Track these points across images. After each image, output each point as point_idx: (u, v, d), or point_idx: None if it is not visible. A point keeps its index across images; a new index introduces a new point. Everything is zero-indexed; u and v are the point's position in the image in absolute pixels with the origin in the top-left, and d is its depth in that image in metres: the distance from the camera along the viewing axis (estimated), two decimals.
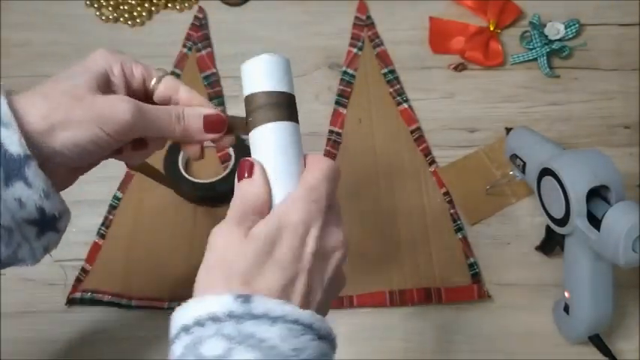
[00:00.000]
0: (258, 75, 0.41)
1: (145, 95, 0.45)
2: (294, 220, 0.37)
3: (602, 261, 0.55)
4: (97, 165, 0.46)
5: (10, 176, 0.37)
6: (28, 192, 0.37)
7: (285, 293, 0.35)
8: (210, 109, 0.45)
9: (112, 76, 0.43)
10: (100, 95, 0.40)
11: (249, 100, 0.41)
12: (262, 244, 0.36)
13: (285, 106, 0.41)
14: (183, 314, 0.35)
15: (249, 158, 0.39)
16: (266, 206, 0.38)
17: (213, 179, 0.68)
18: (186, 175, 0.68)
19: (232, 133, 0.46)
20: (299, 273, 0.36)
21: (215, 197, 0.68)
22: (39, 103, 0.39)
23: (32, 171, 0.37)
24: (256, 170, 0.39)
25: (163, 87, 0.45)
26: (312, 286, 0.37)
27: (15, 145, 0.36)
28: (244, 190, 0.38)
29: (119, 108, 0.40)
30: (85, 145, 0.40)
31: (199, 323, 0.33)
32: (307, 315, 0.34)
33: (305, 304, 0.36)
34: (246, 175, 0.38)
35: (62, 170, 0.42)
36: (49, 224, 0.40)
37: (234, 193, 0.39)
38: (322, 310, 0.38)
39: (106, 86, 0.42)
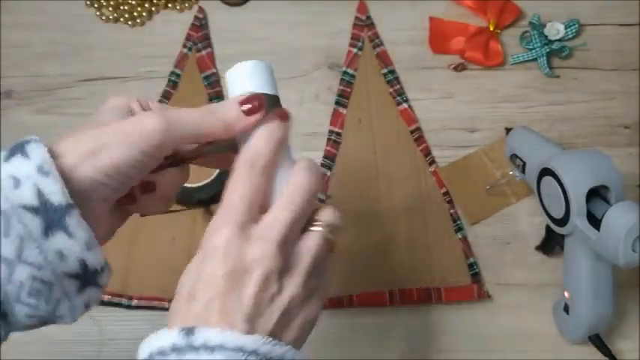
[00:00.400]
0: (244, 79, 0.41)
1: None
2: (259, 266, 0.36)
3: (602, 261, 0.55)
4: (129, 214, 0.45)
5: (50, 226, 0.35)
6: (70, 243, 0.36)
7: (251, 320, 0.35)
8: (244, 94, 0.42)
9: (133, 110, 0.42)
10: (126, 118, 0.40)
11: None
12: (228, 274, 0.36)
13: (272, 107, 0.41)
14: (144, 348, 0.36)
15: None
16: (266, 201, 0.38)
17: (200, 183, 0.68)
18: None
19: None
20: (273, 298, 0.36)
21: (200, 202, 0.68)
22: (70, 143, 0.37)
23: (74, 220, 0.35)
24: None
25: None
26: (291, 310, 0.37)
27: (57, 194, 0.35)
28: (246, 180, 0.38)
29: (145, 120, 0.38)
30: (119, 166, 0.38)
31: (151, 357, 0.35)
32: (251, 340, 0.34)
33: (281, 331, 0.36)
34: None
35: (100, 213, 0.40)
36: (90, 279, 0.38)
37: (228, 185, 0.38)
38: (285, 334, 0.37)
39: (129, 115, 0.41)
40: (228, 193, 0.38)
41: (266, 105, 0.40)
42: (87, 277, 0.38)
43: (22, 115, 0.75)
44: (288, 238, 0.37)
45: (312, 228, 0.39)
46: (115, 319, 0.65)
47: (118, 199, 0.41)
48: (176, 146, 0.40)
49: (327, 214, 0.39)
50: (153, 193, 0.43)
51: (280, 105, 0.42)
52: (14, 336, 0.63)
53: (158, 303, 0.64)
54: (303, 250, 0.38)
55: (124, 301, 0.64)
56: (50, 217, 0.35)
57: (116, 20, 0.81)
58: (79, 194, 0.36)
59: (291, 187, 0.38)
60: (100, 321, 0.65)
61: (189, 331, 0.34)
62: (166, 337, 0.34)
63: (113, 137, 0.37)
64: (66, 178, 0.35)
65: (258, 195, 0.38)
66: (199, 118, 0.40)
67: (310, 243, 0.38)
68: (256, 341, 0.34)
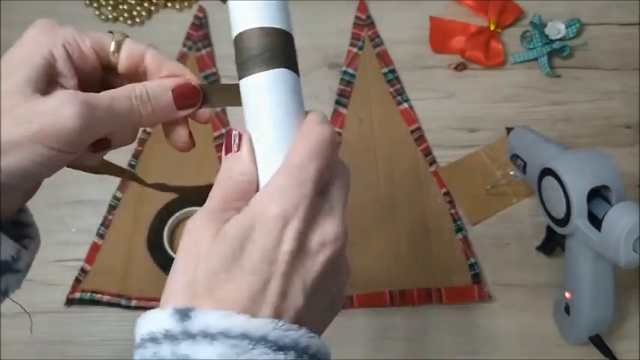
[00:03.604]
0: (250, 9, 0.34)
1: (105, 72, 0.38)
2: (269, 213, 0.30)
3: (602, 261, 0.55)
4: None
5: None
6: None
7: (253, 303, 0.29)
8: (176, 79, 0.37)
9: (56, 63, 0.35)
10: (40, 99, 0.33)
11: (238, 41, 0.34)
12: (231, 245, 0.30)
13: (282, 49, 0.35)
14: (138, 329, 0.31)
15: (238, 128, 0.33)
16: (254, 189, 0.32)
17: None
18: (172, 254, 0.66)
19: (209, 104, 0.39)
20: (271, 278, 0.30)
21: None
22: None
23: None
24: (244, 142, 0.32)
25: (125, 56, 0.37)
26: (289, 292, 0.30)
27: None
28: (228, 169, 0.32)
29: (63, 114, 0.33)
30: (31, 168, 0.33)
31: (142, 345, 0.30)
32: (258, 325, 0.28)
33: (277, 314, 0.30)
34: (234, 149, 0.32)
35: (14, 197, 0.36)
36: (4, 268, 0.35)
37: (219, 172, 0.33)
38: (308, 318, 0.31)
39: (49, 79, 0.34)
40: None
41: (275, 45, 0.34)
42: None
43: None
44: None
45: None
46: (115, 319, 0.64)
47: None
48: (100, 137, 0.36)
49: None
50: (107, 150, 0.38)
51: (294, 49, 0.36)
52: (14, 336, 0.63)
53: (158, 303, 0.64)
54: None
55: (123, 301, 0.64)
56: None
57: (115, 19, 0.81)
58: None
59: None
60: (100, 321, 0.65)
61: (184, 315, 0.29)
62: (158, 320, 0.30)
63: (23, 134, 0.32)
64: None
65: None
66: (128, 109, 0.35)
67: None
68: (264, 326, 0.28)
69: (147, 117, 0.36)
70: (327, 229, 0.32)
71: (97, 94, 0.35)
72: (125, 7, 0.81)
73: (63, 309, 0.65)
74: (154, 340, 0.29)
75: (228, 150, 0.33)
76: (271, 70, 0.34)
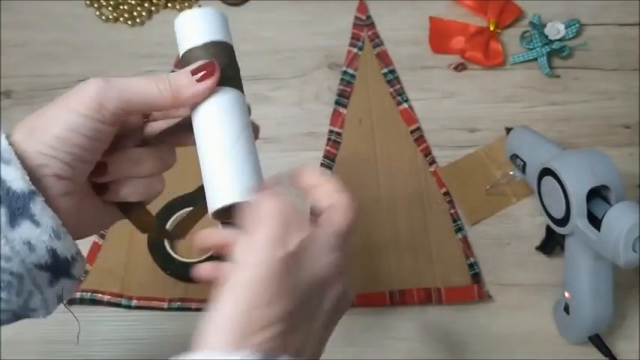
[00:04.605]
0: (192, 28, 0.39)
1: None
2: (320, 275, 0.35)
3: (602, 261, 0.55)
4: (104, 223, 0.43)
5: (15, 215, 0.34)
6: (37, 232, 0.34)
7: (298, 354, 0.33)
8: (197, 63, 0.40)
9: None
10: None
11: (184, 62, 0.39)
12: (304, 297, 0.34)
13: (226, 65, 0.39)
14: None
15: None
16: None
17: (201, 257, 0.65)
18: (174, 254, 0.66)
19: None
20: (309, 336, 0.34)
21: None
22: (20, 126, 0.37)
23: (39, 207, 0.34)
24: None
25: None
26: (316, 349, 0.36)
27: (18, 181, 0.34)
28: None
29: (86, 84, 0.37)
30: (62, 135, 0.36)
31: None
32: None
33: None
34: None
35: (61, 194, 0.37)
36: (62, 269, 0.37)
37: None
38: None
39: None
40: None
41: (216, 54, 0.38)
42: (58, 267, 0.36)
43: (22, 115, 0.73)
44: None
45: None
46: (115, 319, 0.65)
47: (91, 185, 0.40)
48: (124, 113, 0.38)
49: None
50: (105, 175, 0.40)
51: (233, 54, 0.40)
52: (14, 337, 0.63)
53: (158, 303, 0.64)
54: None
55: (123, 301, 0.64)
56: (14, 206, 0.34)
57: (116, 20, 0.81)
58: (33, 173, 0.35)
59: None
60: (99, 321, 0.65)
61: None
62: None
63: (55, 108, 0.37)
64: (22, 163, 0.35)
65: None
66: (146, 83, 0.38)
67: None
68: None
69: (166, 92, 0.38)
70: (347, 297, 0.38)
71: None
72: (125, 7, 0.81)
73: (63, 309, 0.65)
74: None
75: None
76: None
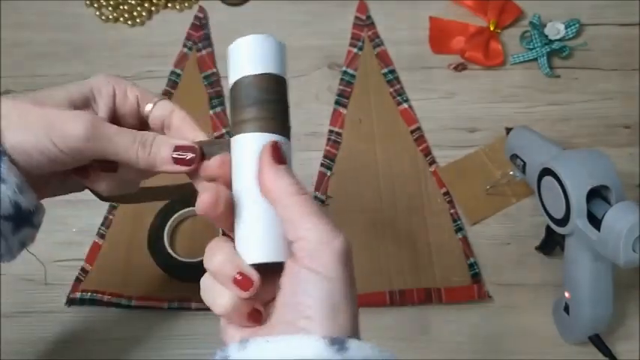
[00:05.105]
0: (246, 57, 0.36)
1: (138, 120, 0.44)
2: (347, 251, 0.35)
3: (602, 261, 0.55)
4: (58, 193, 0.45)
5: None
6: (2, 187, 0.37)
7: (355, 331, 0.33)
8: (184, 141, 0.41)
9: (99, 96, 0.42)
10: (63, 108, 0.40)
11: (236, 88, 0.37)
12: (346, 281, 0.34)
13: (275, 108, 0.37)
14: (260, 351, 0.31)
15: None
16: None
17: (201, 258, 0.65)
18: (174, 254, 0.65)
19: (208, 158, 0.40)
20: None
21: (202, 276, 0.65)
22: (10, 107, 0.39)
23: (5, 166, 0.37)
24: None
25: (158, 111, 0.43)
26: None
27: None
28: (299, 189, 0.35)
29: (72, 120, 0.39)
30: (32, 153, 0.38)
31: None
32: (388, 355, 0.32)
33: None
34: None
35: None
36: (24, 219, 0.40)
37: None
38: None
39: (83, 104, 0.41)
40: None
41: (269, 87, 0.36)
42: (21, 218, 0.39)
43: None
44: None
45: None
46: (115, 319, 0.65)
47: (71, 170, 0.42)
48: (99, 158, 0.40)
49: None
50: (113, 174, 0.43)
51: (284, 85, 0.38)
52: (14, 336, 0.63)
53: (158, 303, 0.64)
54: None
55: (123, 301, 0.64)
56: None
57: (116, 20, 0.81)
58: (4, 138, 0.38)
59: None
60: (100, 321, 0.65)
61: (340, 345, 0.30)
62: (308, 347, 0.30)
63: (35, 122, 0.38)
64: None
65: None
66: (126, 146, 0.40)
67: None
68: (390, 355, 0.32)
69: (142, 161, 0.40)
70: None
71: (108, 123, 0.40)
72: (126, 7, 0.81)
73: (63, 309, 0.65)
74: None
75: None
76: (262, 134, 0.36)
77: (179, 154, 0.40)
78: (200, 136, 0.42)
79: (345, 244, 0.34)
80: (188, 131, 0.43)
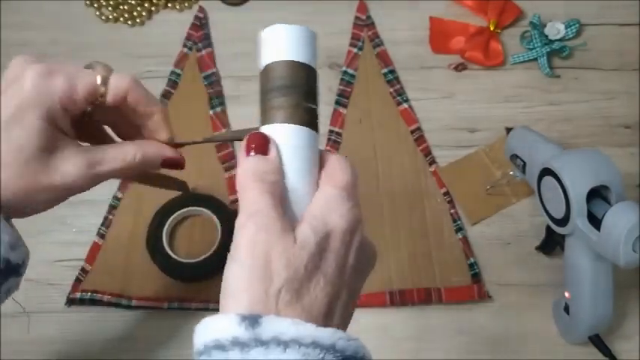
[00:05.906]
0: (277, 45, 0.36)
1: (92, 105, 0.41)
2: (341, 226, 0.33)
3: (602, 261, 0.55)
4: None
5: None
6: None
7: (327, 312, 0.31)
8: (171, 152, 0.43)
9: (57, 122, 0.39)
10: (52, 165, 0.39)
11: (267, 72, 0.36)
12: (313, 254, 0.31)
13: (305, 99, 0.37)
14: (198, 336, 0.31)
15: (262, 132, 0.34)
16: (284, 192, 0.33)
17: (200, 258, 0.65)
18: (173, 255, 0.65)
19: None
20: (341, 289, 0.33)
21: (201, 276, 0.65)
22: None
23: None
24: (272, 145, 0.34)
25: (112, 94, 0.40)
26: (350, 304, 0.34)
27: None
28: (255, 170, 0.33)
29: (71, 177, 0.40)
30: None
31: (206, 351, 0.29)
32: (327, 334, 0.29)
33: (343, 324, 0.33)
34: (255, 152, 0.33)
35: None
36: (12, 271, 0.39)
37: (242, 173, 0.33)
38: (347, 323, 0.34)
39: (54, 136, 0.39)
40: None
41: (298, 83, 0.37)
42: (9, 270, 0.39)
43: None
44: None
45: None
46: (115, 319, 0.65)
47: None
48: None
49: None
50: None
51: (315, 78, 0.38)
52: (14, 336, 0.63)
53: (158, 303, 0.64)
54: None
55: (123, 301, 0.64)
56: None
57: (116, 20, 0.81)
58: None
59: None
60: (100, 321, 0.65)
61: (253, 321, 0.29)
62: (223, 327, 0.29)
63: (47, 196, 0.40)
64: None
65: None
66: (123, 167, 0.42)
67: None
68: (332, 335, 0.30)
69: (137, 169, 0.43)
70: (372, 248, 0.37)
71: (100, 154, 0.41)
72: (125, 7, 0.81)
73: (63, 309, 0.65)
74: (220, 347, 0.29)
75: (250, 151, 0.34)
76: (291, 126, 0.36)
77: (167, 163, 0.43)
78: (172, 153, 0.44)
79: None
80: (162, 130, 0.43)
